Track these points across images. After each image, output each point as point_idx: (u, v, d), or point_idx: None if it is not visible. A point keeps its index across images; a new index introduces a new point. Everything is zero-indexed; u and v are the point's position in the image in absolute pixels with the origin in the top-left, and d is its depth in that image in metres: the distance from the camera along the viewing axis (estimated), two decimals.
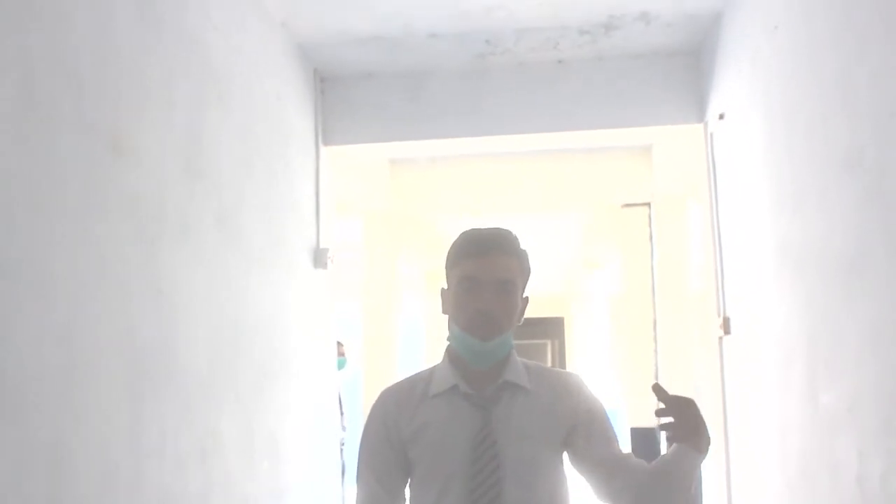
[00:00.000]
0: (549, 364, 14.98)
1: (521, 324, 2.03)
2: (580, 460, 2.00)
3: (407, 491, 2.05)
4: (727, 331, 4.47)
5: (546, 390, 2.03)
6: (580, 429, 1.99)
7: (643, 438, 7.48)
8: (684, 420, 1.86)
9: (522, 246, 2.03)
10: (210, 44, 3.46)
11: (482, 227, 2.04)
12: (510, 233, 2.02)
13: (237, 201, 3.68)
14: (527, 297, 2.04)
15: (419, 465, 1.99)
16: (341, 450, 6.92)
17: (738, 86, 4.19)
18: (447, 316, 2.03)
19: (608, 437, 2.01)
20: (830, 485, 3.01)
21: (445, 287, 2.04)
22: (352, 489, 2.09)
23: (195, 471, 3.11)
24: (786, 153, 3.47)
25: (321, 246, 4.94)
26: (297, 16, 4.36)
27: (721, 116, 4.49)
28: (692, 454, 1.86)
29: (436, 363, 2.09)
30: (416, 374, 2.11)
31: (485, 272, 1.94)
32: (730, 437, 4.54)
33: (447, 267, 2.03)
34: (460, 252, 2.00)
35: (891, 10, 2.49)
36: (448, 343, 2.05)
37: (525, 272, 2.02)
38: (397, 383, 2.12)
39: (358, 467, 2.07)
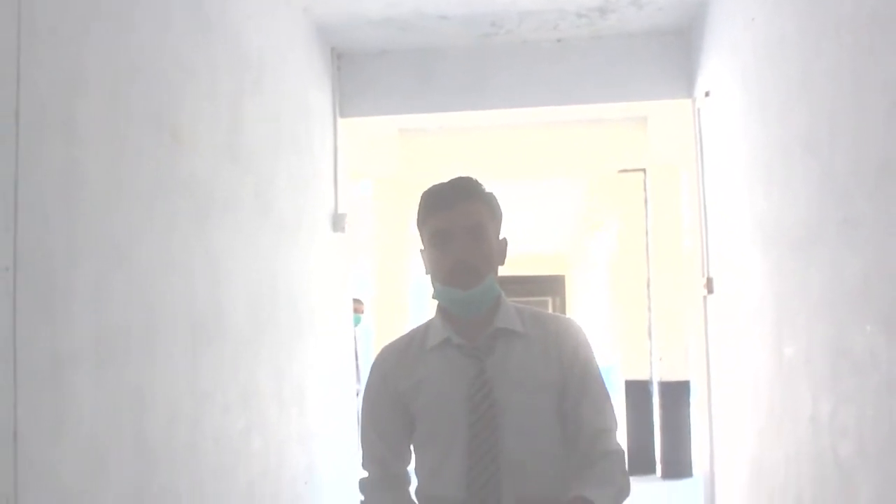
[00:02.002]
0: None
1: (503, 265, 1.98)
2: (563, 414, 1.96)
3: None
4: (710, 290, 4.89)
5: (542, 334, 1.98)
6: (571, 387, 1.94)
7: (637, 390, 8.01)
8: None
9: (487, 190, 1.99)
10: (246, 35, 3.82)
11: (444, 181, 2.00)
12: (471, 179, 1.98)
13: (269, 177, 4.08)
14: (504, 239, 2.00)
15: (421, 420, 1.97)
16: (358, 398, 7.39)
17: (721, 68, 4.57)
18: (429, 276, 1.98)
19: (593, 404, 1.95)
20: (791, 425, 3.46)
21: (422, 248, 1.99)
22: None
23: (239, 414, 3.55)
24: (760, 133, 3.86)
25: (339, 211, 5.33)
26: (317, 1, 4.73)
27: (707, 94, 4.86)
28: None
29: (431, 318, 2.06)
30: (412, 330, 2.09)
31: (453, 222, 1.89)
32: (712, 387, 5.01)
33: (418, 227, 1.98)
34: (427, 208, 1.95)
35: (841, 13, 2.87)
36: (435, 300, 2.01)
37: (495, 214, 1.98)
38: (395, 340, 2.10)
39: (361, 425, 2.06)
